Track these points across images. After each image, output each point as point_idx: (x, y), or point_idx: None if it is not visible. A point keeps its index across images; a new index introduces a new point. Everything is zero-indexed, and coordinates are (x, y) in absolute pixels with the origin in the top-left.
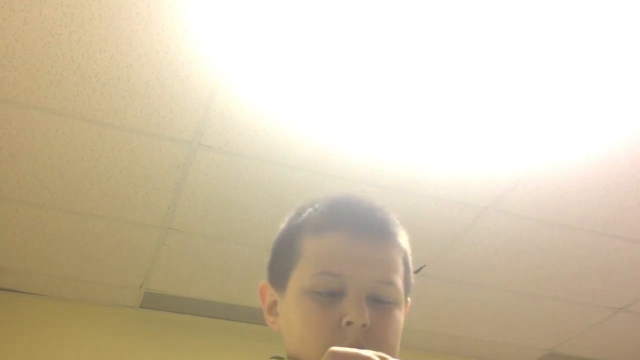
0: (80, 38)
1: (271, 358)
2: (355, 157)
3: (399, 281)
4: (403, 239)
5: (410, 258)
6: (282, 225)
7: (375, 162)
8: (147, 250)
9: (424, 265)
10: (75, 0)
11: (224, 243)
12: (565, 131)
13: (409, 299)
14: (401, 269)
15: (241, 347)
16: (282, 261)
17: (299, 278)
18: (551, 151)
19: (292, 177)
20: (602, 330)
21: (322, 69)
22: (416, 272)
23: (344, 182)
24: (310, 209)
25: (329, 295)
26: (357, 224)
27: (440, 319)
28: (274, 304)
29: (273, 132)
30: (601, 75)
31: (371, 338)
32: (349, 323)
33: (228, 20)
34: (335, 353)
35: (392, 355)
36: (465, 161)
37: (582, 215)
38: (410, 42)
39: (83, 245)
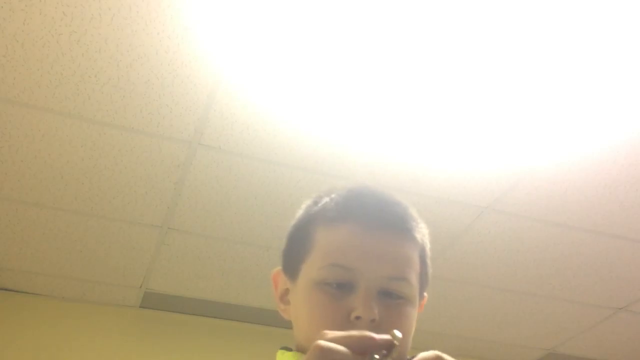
0: (80, 38)
1: (281, 348)
2: (355, 157)
3: (413, 277)
4: (420, 233)
5: (428, 253)
6: (299, 212)
7: (375, 162)
8: (147, 250)
9: None
10: (75, 0)
11: (224, 243)
12: (566, 131)
13: (425, 294)
14: (417, 264)
15: (241, 347)
16: (295, 250)
17: (310, 269)
18: (551, 151)
19: (292, 177)
20: (602, 330)
21: (323, 69)
22: None
23: (344, 182)
24: (327, 199)
25: (338, 288)
26: (371, 217)
27: (440, 319)
28: (285, 292)
29: (273, 132)
30: (601, 75)
31: (380, 331)
32: (357, 318)
33: (228, 20)
34: (322, 348)
35: (405, 345)
36: (465, 161)
37: (582, 215)
38: (411, 42)
39: (83, 245)
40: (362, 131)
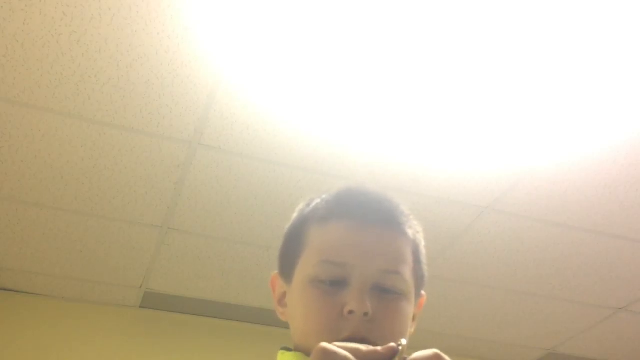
0: (80, 38)
1: (281, 349)
2: (355, 157)
3: (406, 271)
4: (413, 229)
5: (422, 250)
6: (293, 216)
7: (375, 162)
8: (147, 250)
9: None
10: (75, 0)
11: (224, 243)
12: (566, 131)
13: (423, 292)
14: (409, 259)
15: (241, 347)
16: (289, 252)
17: (304, 268)
18: (551, 151)
19: (292, 177)
20: (602, 330)
21: (323, 68)
22: None
23: (344, 182)
24: (318, 200)
25: (332, 285)
26: (362, 213)
27: (440, 319)
28: (283, 296)
29: (273, 132)
30: (601, 75)
31: (373, 328)
32: (350, 312)
33: (228, 20)
34: (325, 350)
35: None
36: (465, 161)
37: (582, 215)
38: (411, 42)
39: (83, 245)
40: (362, 131)
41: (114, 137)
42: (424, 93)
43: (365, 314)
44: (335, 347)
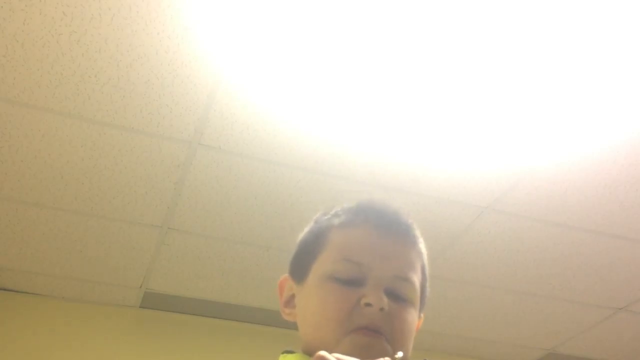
0: (80, 38)
1: (283, 352)
2: (355, 157)
3: (417, 282)
4: (423, 246)
5: (427, 269)
6: (309, 224)
7: (375, 162)
8: (147, 250)
9: None
10: (75, 0)
11: (224, 243)
12: (566, 131)
13: (422, 314)
14: (419, 273)
15: (241, 347)
16: (306, 252)
17: (323, 264)
18: (551, 151)
19: (292, 177)
20: (602, 330)
21: (323, 68)
22: None
23: (344, 182)
24: (338, 208)
25: (348, 283)
26: (383, 221)
27: (440, 319)
28: (291, 298)
29: (273, 132)
30: (601, 75)
31: (388, 321)
32: (367, 304)
33: (228, 20)
34: (323, 358)
35: (406, 351)
36: (465, 161)
37: (582, 215)
38: (411, 42)
39: (83, 245)
40: (362, 131)
41: (114, 137)
42: (424, 93)
43: (382, 309)
44: (333, 357)
